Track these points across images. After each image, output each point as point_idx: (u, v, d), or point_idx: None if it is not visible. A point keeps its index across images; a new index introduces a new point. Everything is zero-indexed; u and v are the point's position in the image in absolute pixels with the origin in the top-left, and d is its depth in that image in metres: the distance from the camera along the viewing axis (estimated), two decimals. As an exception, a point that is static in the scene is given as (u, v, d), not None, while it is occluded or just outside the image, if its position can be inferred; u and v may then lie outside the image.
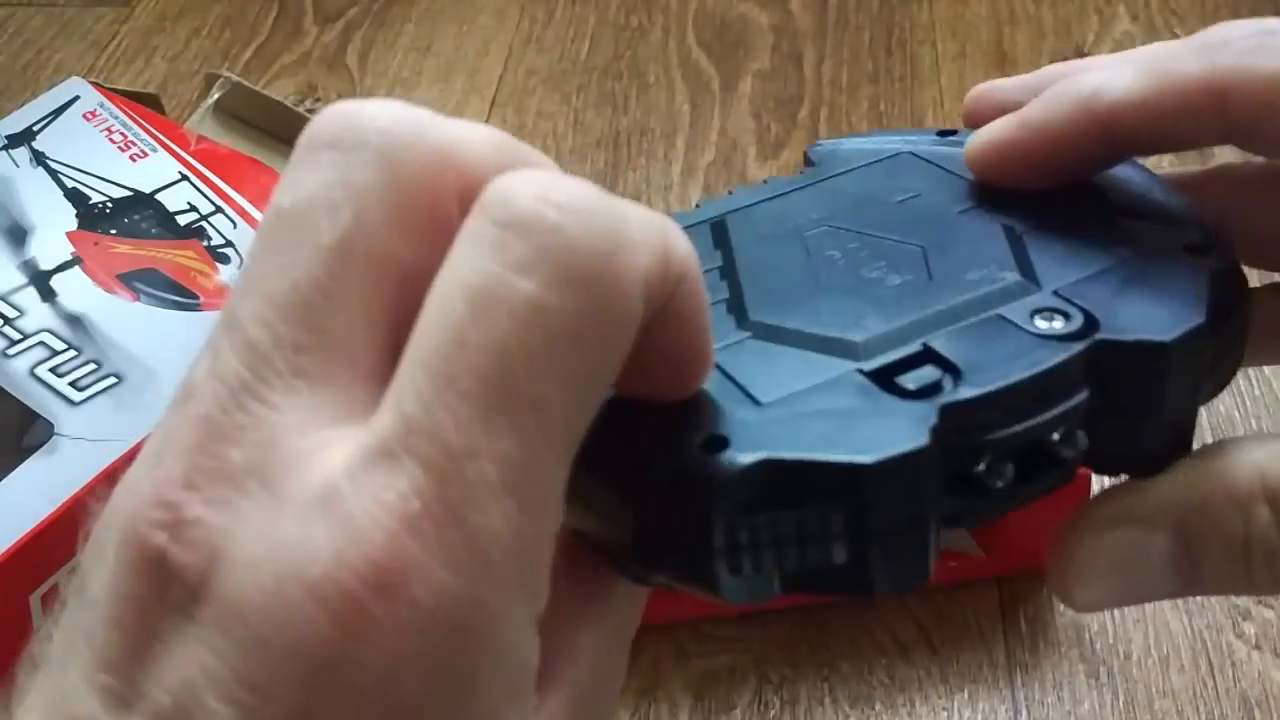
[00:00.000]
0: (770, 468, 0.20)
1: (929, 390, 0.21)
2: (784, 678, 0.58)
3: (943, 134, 0.29)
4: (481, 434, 0.16)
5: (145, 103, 0.72)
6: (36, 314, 0.59)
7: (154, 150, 0.68)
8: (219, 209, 0.65)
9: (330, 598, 0.16)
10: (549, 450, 0.17)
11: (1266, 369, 0.68)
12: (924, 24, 0.93)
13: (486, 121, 0.76)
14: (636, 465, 0.21)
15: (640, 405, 0.21)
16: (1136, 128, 0.24)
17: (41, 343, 0.58)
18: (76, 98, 0.70)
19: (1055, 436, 0.22)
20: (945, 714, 0.57)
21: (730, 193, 0.28)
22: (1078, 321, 0.23)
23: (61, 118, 0.69)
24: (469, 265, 0.17)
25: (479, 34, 0.94)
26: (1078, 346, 0.22)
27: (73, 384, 0.57)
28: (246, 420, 0.17)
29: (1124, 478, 0.24)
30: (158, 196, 0.66)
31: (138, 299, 0.61)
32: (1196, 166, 0.29)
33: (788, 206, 0.28)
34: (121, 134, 0.68)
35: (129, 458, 0.58)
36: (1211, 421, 0.66)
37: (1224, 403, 0.67)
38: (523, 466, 0.16)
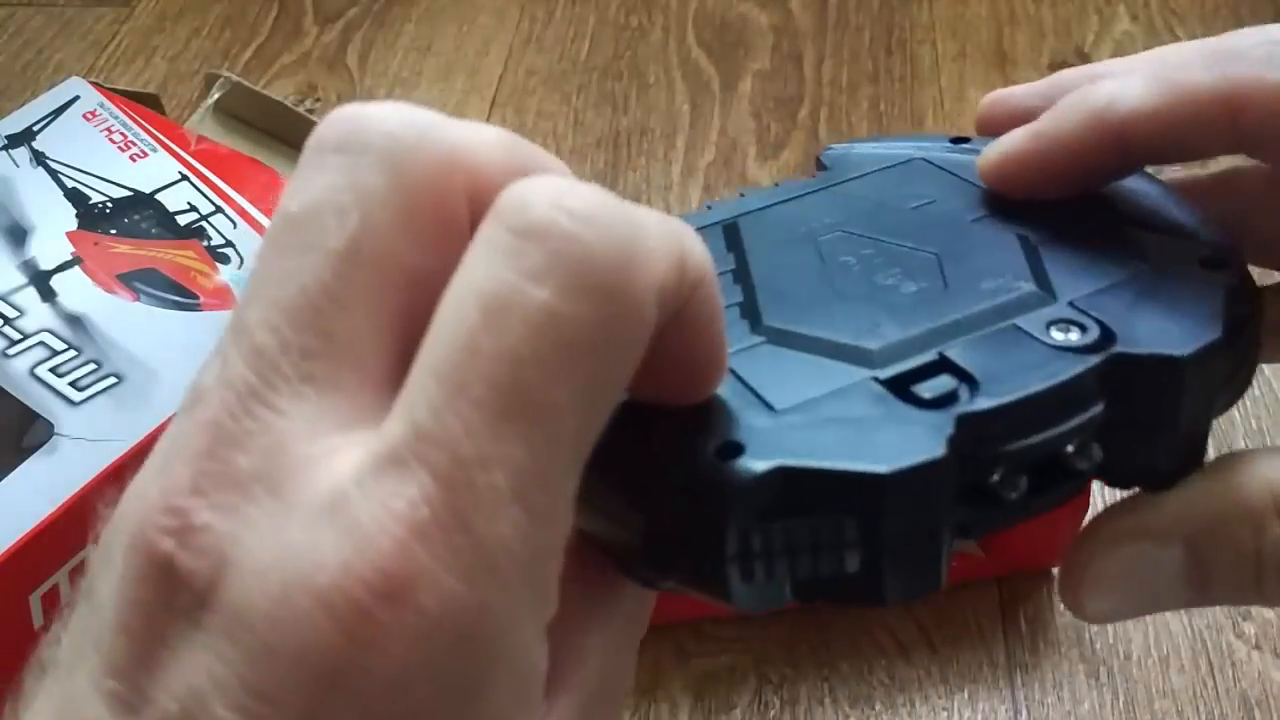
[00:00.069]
0: (785, 475, 0.20)
1: (945, 400, 0.21)
2: (784, 678, 0.58)
3: (955, 141, 0.29)
4: (492, 442, 0.16)
5: (145, 103, 0.72)
6: (36, 314, 0.59)
7: (154, 150, 0.68)
8: (219, 209, 0.65)
9: (337, 605, 0.15)
10: (560, 459, 0.17)
11: (1266, 368, 0.68)
12: (924, 24, 0.93)
13: (486, 122, 0.76)
14: (649, 470, 0.21)
15: (654, 409, 0.21)
16: (1149, 139, 0.24)
17: (41, 343, 0.58)
18: (76, 98, 0.70)
19: (1070, 449, 0.22)
20: (945, 714, 0.57)
21: (741, 195, 0.28)
22: (1094, 334, 0.22)
23: (61, 118, 0.69)
24: (483, 272, 0.17)
25: (479, 34, 0.94)
26: (1094, 359, 0.22)
27: (73, 384, 0.57)
28: (254, 426, 0.17)
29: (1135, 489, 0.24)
30: (158, 196, 0.66)
31: (138, 299, 0.61)
32: (1200, 170, 0.29)
33: (801, 210, 0.27)
34: (121, 134, 0.68)
35: (129, 458, 0.58)
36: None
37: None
38: (533, 475, 0.16)
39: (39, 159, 0.67)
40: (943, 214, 0.27)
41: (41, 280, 0.61)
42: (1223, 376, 0.23)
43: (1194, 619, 0.59)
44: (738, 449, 0.20)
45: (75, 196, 0.65)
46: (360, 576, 0.15)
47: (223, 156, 0.68)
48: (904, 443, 0.20)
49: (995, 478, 0.21)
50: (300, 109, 0.77)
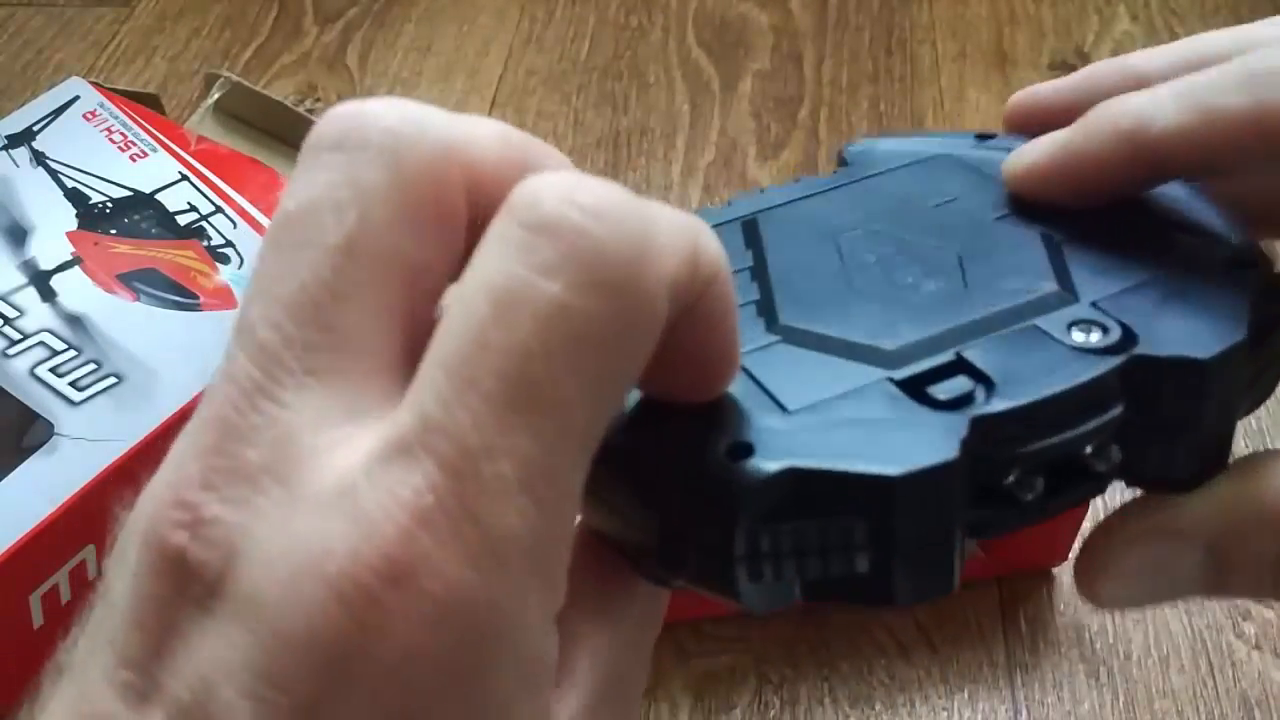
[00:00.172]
0: (795, 477, 0.20)
1: (960, 401, 0.21)
2: (784, 678, 0.58)
3: (981, 137, 0.29)
4: (499, 433, 0.16)
5: (145, 103, 0.72)
6: (36, 314, 0.59)
7: (154, 150, 0.68)
8: (219, 209, 0.65)
9: (345, 590, 0.16)
10: (567, 450, 0.17)
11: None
12: (924, 24, 0.93)
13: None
14: (660, 469, 0.21)
15: (666, 408, 0.21)
16: (1180, 160, 0.24)
17: (41, 343, 0.58)
18: (76, 98, 0.70)
19: (1088, 450, 0.22)
20: (945, 714, 0.57)
21: (762, 190, 0.28)
22: (1115, 335, 0.22)
23: (61, 118, 0.69)
24: (494, 267, 0.17)
25: (479, 34, 0.94)
26: (1114, 361, 0.22)
27: (73, 384, 0.57)
28: (260, 420, 0.17)
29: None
30: (158, 196, 0.66)
31: (138, 299, 0.61)
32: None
33: (822, 207, 0.27)
34: (121, 134, 0.68)
35: (129, 458, 0.58)
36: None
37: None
38: (540, 466, 0.17)
39: (39, 159, 0.67)
40: (965, 212, 0.26)
41: (41, 280, 0.61)
42: (1247, 379, 0.23)
43: (1194, 619, 0.59)
44: (748, 450, 0.20)
45: (75, 196, 0.65)
46: (367, 562, 0.16)
47: (223, 156, 0.68)
48: (916, 445, 0.20)
49: (1011, 479, 0.21)
50: (300, 109, 0.77)
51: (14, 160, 0.66)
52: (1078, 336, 0.22)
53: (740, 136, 0.85)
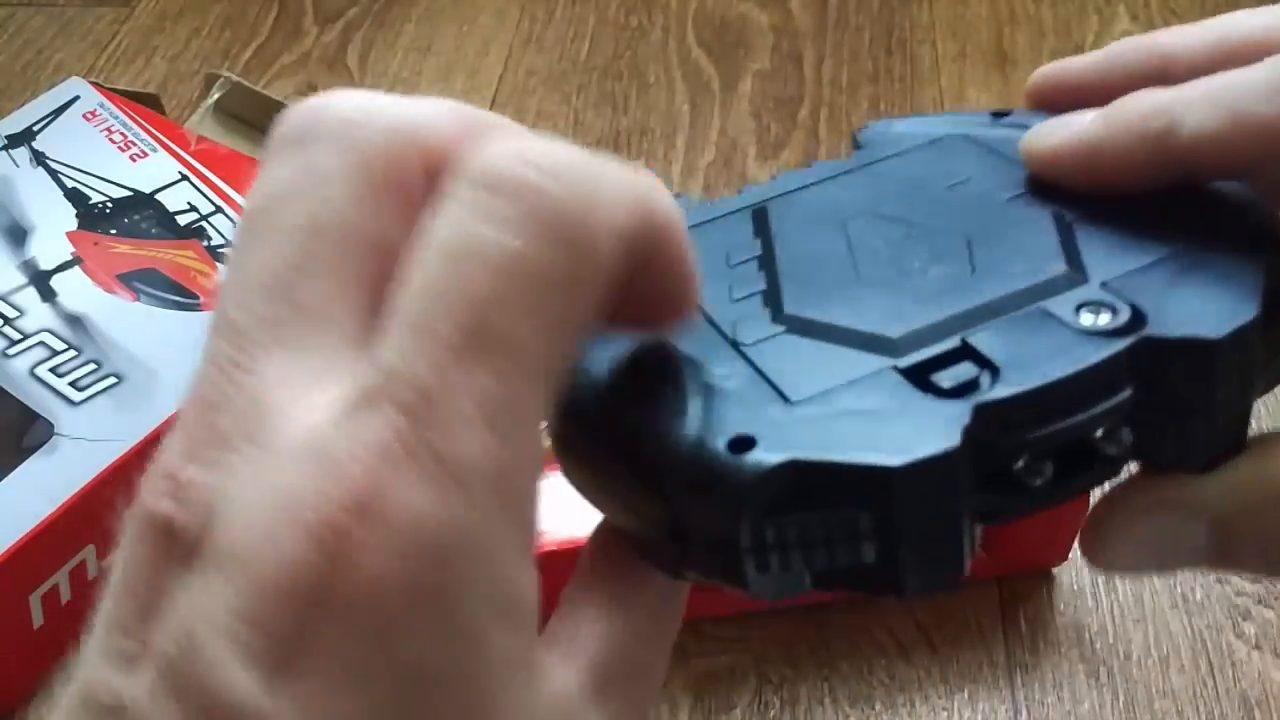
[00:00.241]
0: (796, 469, 0.20)
1: (964, 389, 0.21)
2: (784, 678, 0.58)
3: (997, 115, 0.28)
4: (457, 374, 0.17)
5: (145, 103, 0.73)
6: (36, 314, 0.59)
7: (154, 150, 0.68)
8: (219, 209, 0.65)
9: (314, 529, 0.16)
10: (526, 387, 0.18)
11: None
12: (924, 24, 0.93)
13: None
14: (666, 462, 0.21)
15: (674, 402, 0.21)
16: (1209, 165, 0.24)
17: (41, 343, 0.58)
18: (76, 98, 0.70)
19: (1098, 434, 0.21)
20: (945, 714, 0.57)
21: (774, 177, 0.28)
22: (1124, 316, 0.22)
23: (61, 118, 0.69)
24: (446, 224, 0.18)
25: (479, 34, 0.94)
26: (1122, 343, 0.21)
27: (73, 384, 0.57)
28: (233, 390, 0.18)
29: None
30: (158, 196, 0.66)
31: (138, 299, 0.61)
32: None
33: (832, 193, 0.27)
34: (121, 134, 0.68)
35: (129, 458, 0.58)
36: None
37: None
38: (499, 401, 0.17)
39: (39, 159, 0.67)
40: (977, 194, 0.26)
41: (41, 280, 0.61)
42: (1262, 358, 0.22)
43: (1194, 619, 0.59)
44: (750, 442, 0.20)
45: (75, 196, 0.65)
46: (335, 502, 0.16)
47: (223, 156, 0.69)
48: (918, 434, 0.20)
49: (1020, 465, 0.21)
50: (300, 109, 0.77)
51: (14, 160, 0.66)
52: (1086, 319, 0.22)
53: (740, 136, 0.85)
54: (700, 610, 0.59)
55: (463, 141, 0.19)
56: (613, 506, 0.22)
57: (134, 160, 0.67)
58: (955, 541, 0.21)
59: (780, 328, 0.23)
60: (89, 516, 0.54)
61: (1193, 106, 0.24)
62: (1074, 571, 0.61)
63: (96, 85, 0.71)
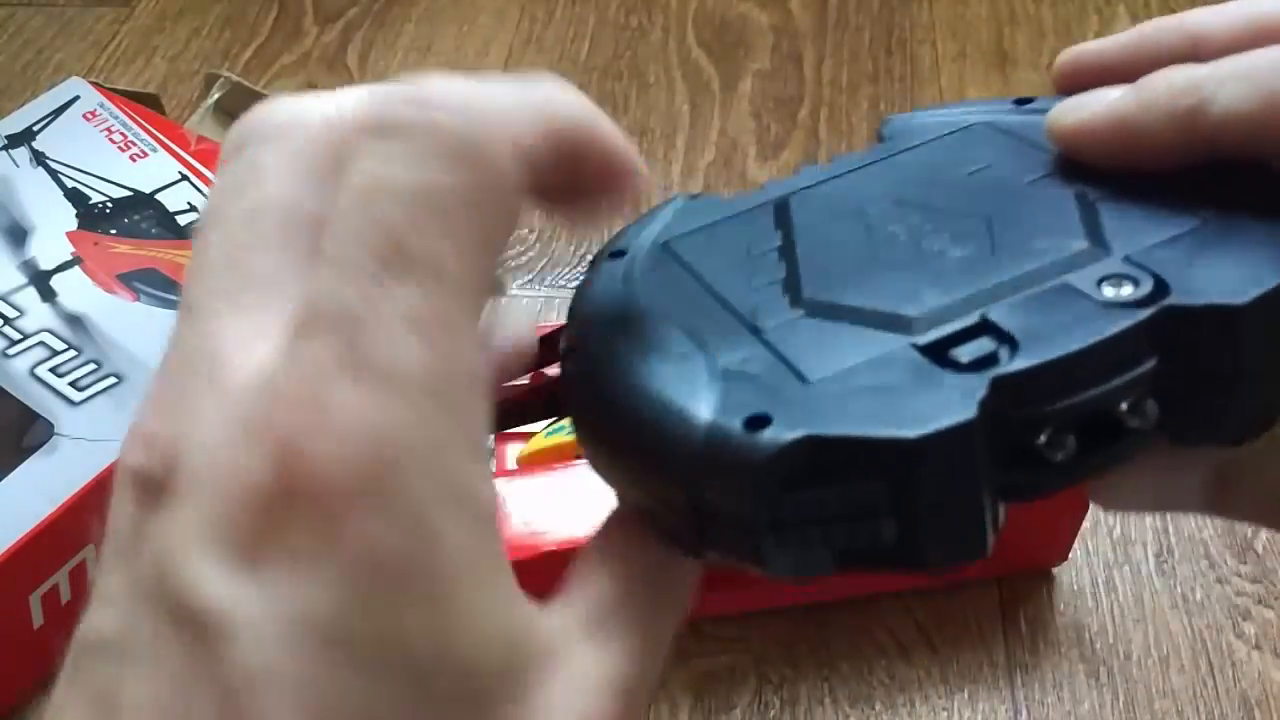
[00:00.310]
0: (812, 444, 0.20)
1: (983, 363, 0.21)
2: (784, 678, 0.58)
3: (1019, 102, 0.28)
4: (381, 295, 0.18)
5: (145, 103, 0.73)
6: (36, 314, 0.59)
7: (154, 150, 0.68)
8: (219, 209, 0.65)
9: (267, 448, 0.18)
10: (449, 299, 0.19)
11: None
12: (924, 24, 0.93)
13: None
14: (684, 443, 0.21)
15: (693, 385, 0.21)
16: (1240, 143, 0.24)
17: (41, 343, 0.58)
18: (76, 98, 0.70)
19: (1123, 407, 0.21)
20: (945, 714, 0.57)
21: (796, 172, 0.28)
22: (1147, 287, 0.21)
23: (61, 118, 0.69)
24: (354, 174, 0.19)
25: (479, 34, 0.94)
26: (1144, 313, 0.21)
27: (73, 384, 0.57)
28: (192, 352, 0.20)
29: None
30: (158, 196, 0.66)
31: (138, 299, 0.61)
32: None
33: (852, 184, 0.27)
34: (121, 134, 0.68)
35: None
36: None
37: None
38: (424, 310, 0.18)
39: (39, 159, 0.67)
40: (999, 178, 0.26)
41: (41, 280, 0.61)
42: None
43: (1194, 619, 0.59)
44: (766, 420, 0.20)
45: (75, 196, 0.65)
46: (284, 422, 0.18)
47: (223, 156, 0.68)
48: (934, 407, 0.20)
49: (1042, 439, 0.21)
50: (300, 109, 0.77)
51: (14, 160, 0.66)
52: (1108, 291, 0.22)
53: (740, 136, 0.85)
54: (700, 610, 0.59)
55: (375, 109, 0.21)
56: (634, 489, 0.22)
57: (134, 160, 0.67)
58: (976, 515, 0.21)
59: (799, 311, 0.23)
60: (89, 516, 0.54)
61: (1225, 84, 0.24)
62: (1074, 571, 0.61)
63: (96, 85, 0.71)
